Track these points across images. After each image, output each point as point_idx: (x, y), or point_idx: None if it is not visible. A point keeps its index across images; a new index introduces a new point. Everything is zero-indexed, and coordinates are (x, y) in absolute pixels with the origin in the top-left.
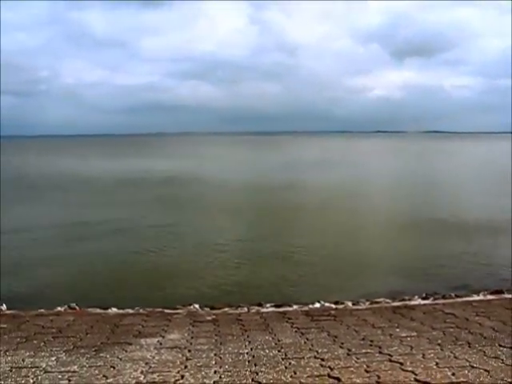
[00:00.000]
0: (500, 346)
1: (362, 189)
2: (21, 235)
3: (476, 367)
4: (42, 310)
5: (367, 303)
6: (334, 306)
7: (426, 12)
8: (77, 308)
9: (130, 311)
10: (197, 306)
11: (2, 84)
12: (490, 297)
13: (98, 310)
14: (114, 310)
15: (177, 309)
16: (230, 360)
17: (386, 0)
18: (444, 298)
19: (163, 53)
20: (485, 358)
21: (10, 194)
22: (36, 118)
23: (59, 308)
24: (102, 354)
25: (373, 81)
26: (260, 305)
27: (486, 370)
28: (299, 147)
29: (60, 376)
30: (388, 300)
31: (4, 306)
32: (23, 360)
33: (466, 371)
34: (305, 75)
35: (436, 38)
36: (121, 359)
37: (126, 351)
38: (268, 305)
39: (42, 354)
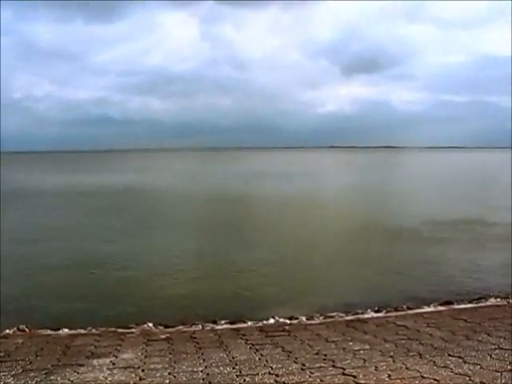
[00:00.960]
0: (449, 355)
1: (315, 201)
2: None
3: (426, 377)
4: None
5: (321, 318)
6: (288, 321)
7: (373, 28)
8: (26, 330)
9: (82, 331)
10: (150, 324)
11: None
12: (440, 308)
13: (49, 332)
14: (66, 330)
15: (130, 328)
16: (185, 378)
17: (333, 14)
18: (396, 310)
19: (113, 66)
20: (435, 367)
21: None
22: None
23: (7, 330)
24: (52, 377)
25: (324, 95)
26: (214, 322)
27: (435, 380)
28: (251, 161)
29: None
30: (341, 314)
31: None
32: None
33: (417, 382)
34: (255, 89)
35: (383, 53)
36: (72, 381)
37: (78, 373)
38: (222, 322)
39: None
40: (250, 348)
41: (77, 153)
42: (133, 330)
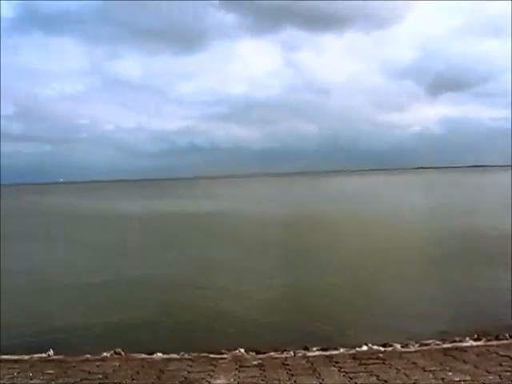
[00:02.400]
0: None
1: (397, 223)
2: (62, 277)
3: None
4: (88, 356)
5: (416, 345)
6: (382, 348)
7: (457, 45)
8: (122, 353)
9: (175, 356)
10: (242, 350)
11: (42, 131)
12: None
13: (144, 355)
14: (159, 354)
15: (222, 353)
16: None
17: (414, 33)
18: (497, 338)
19: (198, 96)
20: None
21: (54, 233)
22: (75, 164)
23: (105, 353)
24: None
25: (409, 116)
26: (306, 348)
27: None
28: (336, 184)
29: None
30: (438, 342)
31: (51, 352)
32: None
33: None
34: (338, 113)
35: (469, 70)
36: None
37: None
38: (314, 348)
39: None
40: (344, 376)
41: (165, 181)
42: (225, 356)
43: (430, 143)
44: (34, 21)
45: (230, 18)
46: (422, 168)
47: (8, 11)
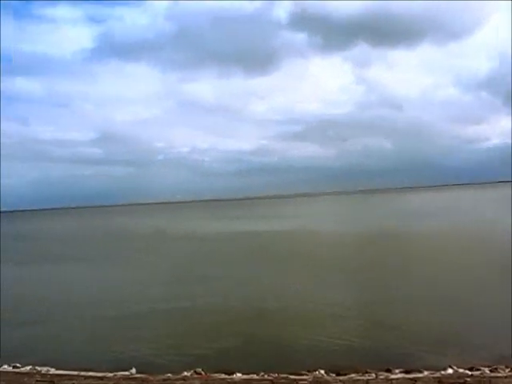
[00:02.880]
0: None
1: (489, 238)
2: (144, 298)
3: None
4: (169, 375)
5: (507, 370)
6: (468, 372)
7: None
8: (202, 373)
9: (255, 377)
10: (322, 371)
11: (119, 155)
12: None
13: (224, 375)
14: (239, 375)
15: (302, 374)
16: None
17: (488, 44)
18: None
19: (271, 116)
20: None
21: (135, 256)
22: (152, 186)
23: (185, 373)
24: None
25: (486, 129)
26: (388, 370)
27: None
28: (413, 200)
29: None
30: None
31: (134, 370)
32: None
33: None
34: (412, 128)
35: None
36: None
37: None
38: (397, 370)
39: None
40: None
41: (241, 200)
42: (305, 377)
43: (509, 156)
44: (112, 50)
45: (299, 37)
46: (501, 182)
47: (88, 42)
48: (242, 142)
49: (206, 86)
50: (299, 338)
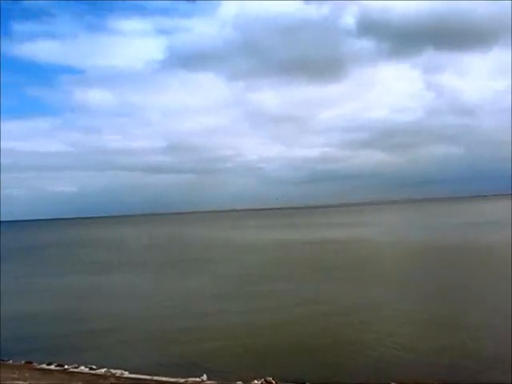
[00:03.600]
0: None
1: None
2: (213, 309)
3: None
4: (240, 383)
5: None
6: None
7: None
8: (273, 382)
9: None
10: None
11: (187, 163)
12: None
13: None
14: None
15: None
16: None
17: None
18: None
19: (337, 123)
20: None
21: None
22: (219, 194)
23: (256, 381)
24: None
25: None
26: None
27: None
28: (486, 209)
29: None
30: None
31: (205, 377)
32: None
33: None
34: (483, 135)
35: None
36: None
37: None
38: None
39: None
40: None
41: (308, 208)
42: None
43: None
44: (179, 60)
45: (367, 44)
46: None
47: (157, 54)
48: (309, 149)
49: (272, 95)
50: (372, 351)
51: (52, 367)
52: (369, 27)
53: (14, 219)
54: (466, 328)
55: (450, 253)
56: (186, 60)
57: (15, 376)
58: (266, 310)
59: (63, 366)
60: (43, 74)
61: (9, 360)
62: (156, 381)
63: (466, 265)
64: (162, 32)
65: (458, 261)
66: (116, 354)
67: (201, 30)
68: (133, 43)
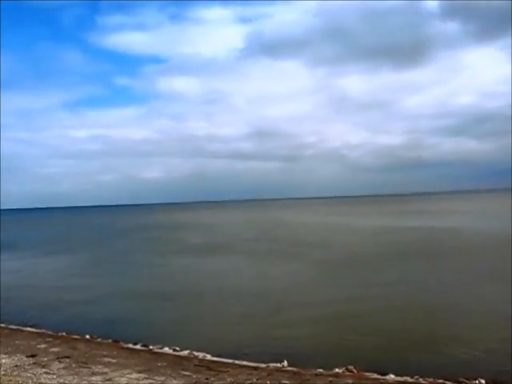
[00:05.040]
0: None
1: None
2: (304, 297)
3: None
4: (321, 370)
5: None
6: None
7: None
8: (354, 371)
9: (409, 379)
10: (483, 381)
11: (270, 150)
12: None
13: (376, 375)
14: (392, 376)
15: (460, 382)
16: None
17: None
18: None
19: (423, 110)
20: None
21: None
22: (303, 181)
23: (337, 369)
24: None
25: None
26: None
27: None
28: None
29: None
30: None
31: (285, 362)
32: None
33: None
34: None
35: None
36: None
37: None
38: None
39: None
40: None
41: (392, 196)
42: None
43: None
44: (261, 48)
45: (452, 26)
46: None
47: (239, 42)
48: (394, 136)
49: (355, 81)
50: (460, 344)
51: (138, 347)
52: (453, 9)
53: (104, 204)
54: None
55: None
56: (268, 47)
57: (104, 353)
58: (360, 299)
59: (148, 346)
60: (130, 64)
61: (98, 338)
62: (237, 364)
63: None
64: (243, 20)
65: None
66: (198, 335)
67: (282, 17)
68: (215, 31)
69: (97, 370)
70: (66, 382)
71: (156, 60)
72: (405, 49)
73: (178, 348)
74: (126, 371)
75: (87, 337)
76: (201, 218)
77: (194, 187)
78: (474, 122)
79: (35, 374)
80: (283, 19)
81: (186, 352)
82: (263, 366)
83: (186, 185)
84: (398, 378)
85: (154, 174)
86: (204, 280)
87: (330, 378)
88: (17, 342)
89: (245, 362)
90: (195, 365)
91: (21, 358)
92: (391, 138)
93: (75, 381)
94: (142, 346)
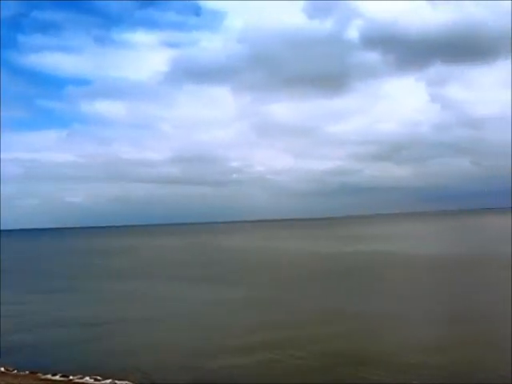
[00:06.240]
0: None
1: None
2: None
3: None
4: None
5: None
6: None
7: None
8: None
9: None
10: None
11: (195, 174)
12: None
13: None
14: None
15: None
16: None
17: None
18: None
19: (347, 137)
20: None
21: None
22: (230, 206)
23: None
24: None
25: None
26: None
27: None
28: (500, 223)
29: None
30: None
31: None
32: None
33: None
34: (493, 147)
35: None
36: None
37: None
38: None
39: None
40: None
41: (315, 220)
42: None
43: None
44: (186, 73)
45: (372, 57)
46: None
47: (163, 66)
48: (319, 162)
49: (281, 108)
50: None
51: (57, 378)
52: (373, 40)
53: (26, 228)
54: None
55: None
56: (194, 73)
57: None
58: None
59: (68, 376)
60: (53, 85)
61: (14, 370)
62: None
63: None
64: (168, 45)
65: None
66: (122, 364)
67: (207, 43)
68: (141, 56)
69: None
70: None
71: (80, 82)
72: (329, 77)
73: (99, 377)
74: None
75: (1, 369)
76: (123, 243)
77: (119, 211)
78: (395, 149)
79: None
80: (208, 45)
81: (107, 381)
82: None
83: (110, 209)
84: None
85: (77, 199)
86: (129, 306)
87: None
88: None
89: None
90: None
91: None
92: (317, 163)
93: None
94: (61, 376)
